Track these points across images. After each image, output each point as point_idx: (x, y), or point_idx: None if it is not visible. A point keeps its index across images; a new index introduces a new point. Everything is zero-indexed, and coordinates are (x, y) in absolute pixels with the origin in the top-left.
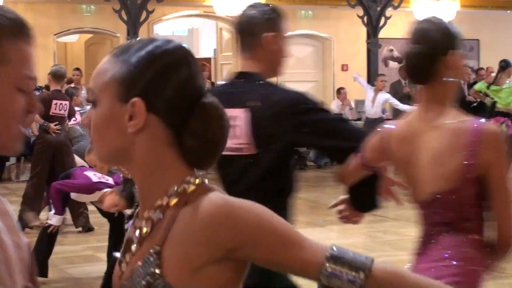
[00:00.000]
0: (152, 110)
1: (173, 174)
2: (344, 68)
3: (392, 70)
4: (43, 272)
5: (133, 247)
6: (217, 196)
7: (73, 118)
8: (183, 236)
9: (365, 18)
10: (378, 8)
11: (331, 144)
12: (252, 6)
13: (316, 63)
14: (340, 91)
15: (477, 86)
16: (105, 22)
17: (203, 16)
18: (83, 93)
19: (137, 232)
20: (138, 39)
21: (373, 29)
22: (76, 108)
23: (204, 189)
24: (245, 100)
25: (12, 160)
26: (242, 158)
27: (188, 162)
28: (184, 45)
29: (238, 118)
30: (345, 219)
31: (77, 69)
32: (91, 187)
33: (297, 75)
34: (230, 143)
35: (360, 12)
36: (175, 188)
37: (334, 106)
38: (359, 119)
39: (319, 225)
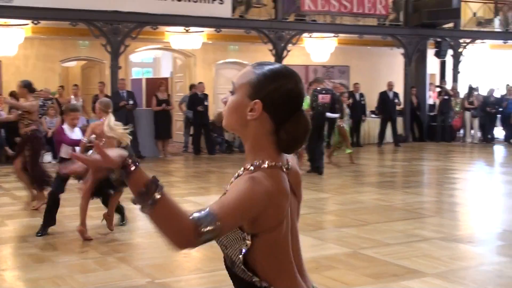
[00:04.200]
0: (265, 109)
1: (266, 152)
2: None
3: None
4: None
5: (228, 185)
6: (259, 174)
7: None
8: (236, 185)
9: (273, 51)
10: (282, 45)
11: None
12: None
13: None
14: None
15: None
16: (95, 52)
17: (163, 49)
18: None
19: (234, 177)
20: (269, 61)
21: (278, 58)
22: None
23: (271, 170)
24: None
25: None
26: None
27: (279, 148)
28: (294, 71)
29: None
30: None
31: (75, 85)
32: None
33: (227, 90)
34: None
35: (270, 47)
36: (256, 162)
37: None
38: None
39: None
